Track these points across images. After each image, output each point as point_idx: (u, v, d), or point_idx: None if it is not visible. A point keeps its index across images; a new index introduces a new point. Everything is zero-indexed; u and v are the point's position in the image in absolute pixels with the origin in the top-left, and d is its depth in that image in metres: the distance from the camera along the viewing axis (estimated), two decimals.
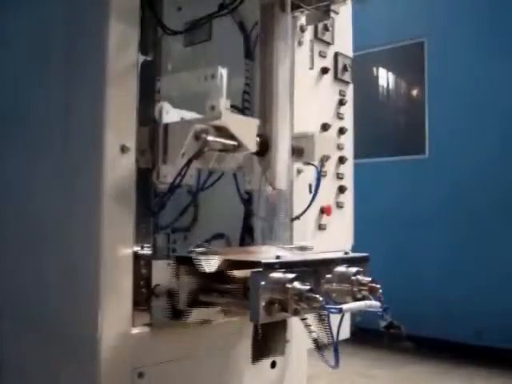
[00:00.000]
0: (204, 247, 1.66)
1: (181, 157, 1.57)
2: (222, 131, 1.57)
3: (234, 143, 1.61)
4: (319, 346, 1.64)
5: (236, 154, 1.65)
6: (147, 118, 1.67)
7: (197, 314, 1.60)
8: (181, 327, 1.66)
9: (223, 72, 1.63)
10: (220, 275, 1.58)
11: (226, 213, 2.19)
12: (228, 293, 1.57)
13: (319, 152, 1.91)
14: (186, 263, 1.58)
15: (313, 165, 1.96)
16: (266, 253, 1.78)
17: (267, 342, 1.64)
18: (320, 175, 1.98)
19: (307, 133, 1.96)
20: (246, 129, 1.63)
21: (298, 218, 2.03)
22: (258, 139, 1.71)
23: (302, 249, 1.87)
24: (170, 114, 1.72)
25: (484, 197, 4.89)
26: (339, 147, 2.68)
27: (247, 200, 2.12)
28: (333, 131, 2.62)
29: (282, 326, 1.65)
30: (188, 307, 1.58)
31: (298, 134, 1.94)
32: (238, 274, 1.57)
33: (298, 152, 1.91)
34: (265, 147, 1.79)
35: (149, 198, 1.67)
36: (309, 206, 2.01)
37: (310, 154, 1.91)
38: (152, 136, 1.67)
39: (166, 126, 1.68)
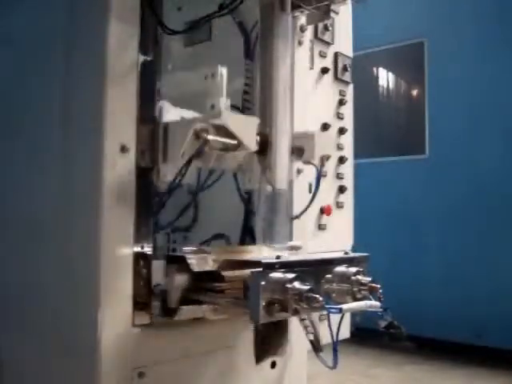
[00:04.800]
0: (195, 247, 1.67)
1: (181, 156, 1.57)
2: (222, 130, 1.57)
3: (234, 142, 1.61)
4: (316, 348, 1.64)
5: (236, 153, 1.65)
6: (147, 117, 1.67)
7: (188, 312, 1.61)
8: (181, 327, 1.66)
9: (223, 71, 1.63)
10: (216, 275, 1.59)
11: (226, 213, 2.19)
12: (223, 292, 1.58)
13: (319, 151, 1.91)
14: (178, 262, 1.59)
15: (313, 164, 1.96)
16: (253, 253, 1.79)
17: (269, 342, 1.64)
18: (320, 175, 1.98)
19: (307, 132, 1.96)
20: (246, 128, 1.63)
21: (297, 217, 2.03)
22: (257, 138, 1.71)
23: (293, 248, 1.87)
24: (170, 113, 1.72)
25: (484, 197, 4.89)
26: (339, 147, 2.68)
27: (247, 200, 2.12)
28: (333, 131, 2.62)
29: (284, 325, 1.65)
30: (177, 306, 1.59)
31: (297, 134, 1.94)
32: (234, 274, 1.58)
33: (297, 151, 1.91)
34: (265, 146, 1.79)
35: (149, 198, 1.67)
36: (309, 206, 2.01)
37: (310, 153, 1.91)
38: (152, 135, 1.67)
39: (166, 125, 1.68)
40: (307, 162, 1.96)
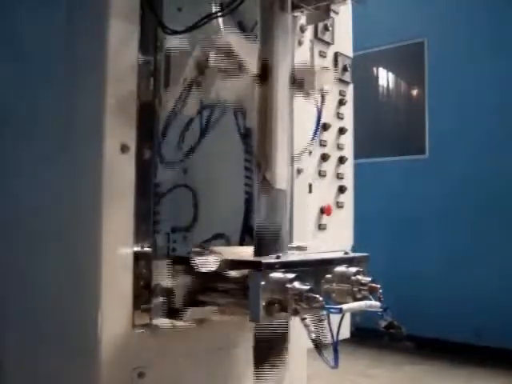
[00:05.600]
0: (201, 247, 1.66)
1: (182, 82, 1.55)
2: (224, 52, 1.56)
3: (235, 65, 1.58)
4: (319, 346, 1.64)
5: (237, 80, 1.62)
6: (147, 116, 1.67)
7: (193, 314, 1.61)
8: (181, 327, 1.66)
9: None
10: (218, 275, 1.59)
11: (226, 213, 2.19)
12: (227, 292, 1.58)
13: (319, 83, 1.87)
14: (183, 263, 1.59)
15: (313, 99, 1.92)
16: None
17: (270, 343, 1.64)
18: (321, 112, 1.95)
19: (307, 64, 1.93)
20: (246, 49, 1.61)
21: (297, 156, 2.01)
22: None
23: (299, 249, 1.87)
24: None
25: (484, 196, 4.89)
26: (339, 147, 2.68)
27: (247, 200, 2.12)
28: (333, 131, 2.62)
29: (285, 325, 1.65)
30: (185, 307, 1.59)
31: (298, 67, 1.91)
32: (236, 273, 1.58)
33: (298, 83, 1.87)
34: (265, 74, 1.76)
35: (149, 198, 1.67)
36: (311, 143, 1.97)
37: (309, 84, 1.86)
38: (153, 65, 1.65)
39: (168, 51, 1.66)
40: (307, 95, 1.93)
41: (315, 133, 1.96)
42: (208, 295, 1.61)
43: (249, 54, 1.61)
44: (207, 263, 1.55)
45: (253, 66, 1.63)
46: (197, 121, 2.17)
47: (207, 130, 2.14)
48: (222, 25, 1.54)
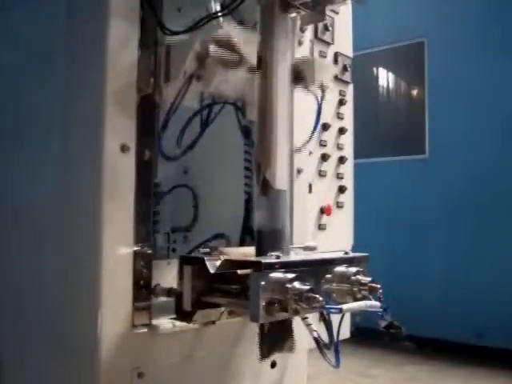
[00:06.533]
0: (207, 247, 1.65)
1: (182, 75, 1.54)
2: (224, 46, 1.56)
3: (236, 57, 1.59)
4: (321, 346, 1.64)
5: (237, 73, 1.62)
6: (148, 117, 1.67)
7: (205, 316, 1.59)
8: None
9: None
10: (220, 275, 1.58)
11: (226, 213, 2.19)
12: (229, 293, 1.57)
13: (319, 76, 1.87)
14: (190, 263, 1.58)
15: (312, 93, 1.92)
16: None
17: (275, 338, 1.64)
18: (321, 105, 1.94)
19: (306, 56, 1.93)
20: (246, 41, 1.61)
21: (298, 149, 2.01)
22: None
23: (307, 249, 1.87)
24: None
25: (484, 197, 4.89)
26: (339, 147, 2.68)
27: (247, 200, 2.12)
28: (333, 131, 2.62)
29: (289, 322, 1.65)
30: (192, 308, 1.57)
31: (297, 60, 1.91)
32: (240, 273, 1.57)
33: (297, 77, 1.87)
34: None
35: (149, 198, 1.67)
36: (311, 137, 1.96)
37: (310, 76, 1.86)
38: (154, 59, 1.65)
39: (168, 44, 1.66)
40: (307, 89, 1.92)
41: (315, 127, 1.96)
42: (212, 296, 1.60)
43: (249, 45, 1.60)
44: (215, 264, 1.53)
45: (253, 57, 1.63)
46: (196, 119, 2.16)
47: (207, 124, 2.13)
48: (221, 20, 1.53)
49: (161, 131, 1.75)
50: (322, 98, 1.92)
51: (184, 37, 1.64)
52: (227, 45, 1.55)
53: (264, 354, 1.62)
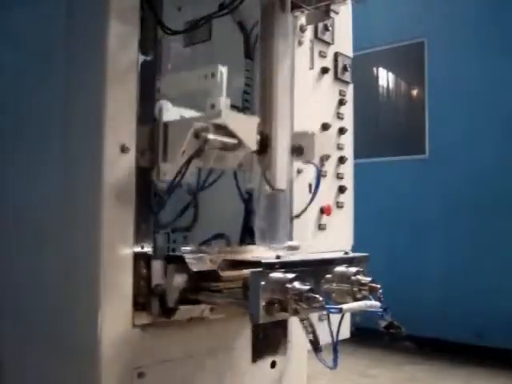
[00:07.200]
0: (194, 247, 1.67)
1: (181, 155, 1.57)
2: (222, 130, 1.58)
3: (234, 142, 1.61)
4: (316, 348, 1.64)
5: (236, 152, 1.65)
6: (147, 116, 1.67)
7: (186, 312, 1.61)
8: (181, 327, 1.66)
9: (223, 70, 1.63)
10: (213, 275, 1.59)
11: (226, 213, 2.19)
12: (220, 292, 1.58)
13: (319, 151, 1.91)
14: (177, 262, 1.60)
15: (313, 164, 1.96)
16: (250, 252, 1.79)
17: (267, 341, 1.64)
18: (320, 174, 1.97)
19: (307, 131, 1.96)
20: (246, 127, 1.63)
21: (298, 216, 2.03)
22: (257, 138, 1.71)
23: (291, 248, 1.87)
24: (170, 113, 1.72)
25: (484, 197, 4.89)
26: (339, 147, 2.68)
27: (247, 200, 2.12)
28: (333, 131, 2.62)
29: (283, 325, 1.65)
30: (179, 305, 1.59)
31: (297, 133, 1.94)
32: (232, 273, 1.58)
33: (297, 151, 1.90)
34: (264, 146, 1.79)
35: (149, 198, 1.67)
36: (308, 205, 2.00)
37: (309, 152, 1.90)
38: (152, 135, 1.67)
39: (166, 124, 1.68)
40: (307, 162, 1.96)
41: (315, 192, 1.99)
42: (206, 295, 1.62)
43: (247, 130, 1.64)
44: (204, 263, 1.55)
45: (252, 142, 1.65)
46: None
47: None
48: (221, 106, 1.56)
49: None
50: (322, 165, 1.95)
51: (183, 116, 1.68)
52: (225, 131, 1.57)
53: (256, 357, 1.63)
